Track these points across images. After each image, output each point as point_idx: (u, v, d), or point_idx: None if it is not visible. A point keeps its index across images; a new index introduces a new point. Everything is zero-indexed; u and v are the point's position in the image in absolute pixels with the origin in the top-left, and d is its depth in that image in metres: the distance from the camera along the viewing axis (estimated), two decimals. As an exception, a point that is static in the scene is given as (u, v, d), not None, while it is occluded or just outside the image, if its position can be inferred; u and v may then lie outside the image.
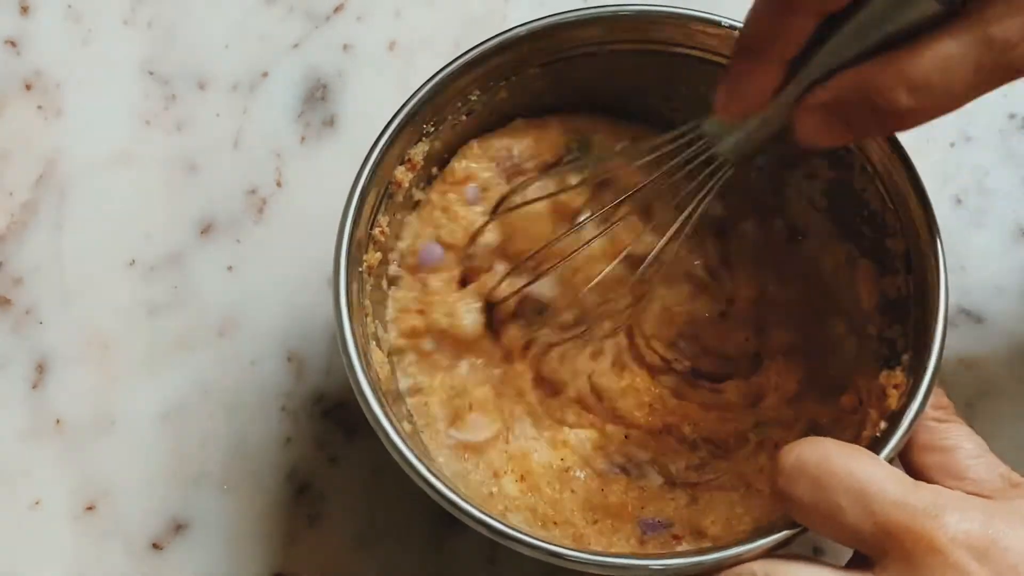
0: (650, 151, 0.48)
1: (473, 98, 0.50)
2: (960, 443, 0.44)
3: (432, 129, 0.50)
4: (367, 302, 0.49)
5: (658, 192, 0.48)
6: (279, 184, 0.60)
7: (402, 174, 0.50)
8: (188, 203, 0.59)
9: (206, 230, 0.59)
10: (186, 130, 0.60)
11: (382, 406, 0.44)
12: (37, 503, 0.55)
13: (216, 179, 0.60)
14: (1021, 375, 0.57)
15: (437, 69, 0.49)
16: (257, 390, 0.57)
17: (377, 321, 0.50)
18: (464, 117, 0.51)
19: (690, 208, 0.47)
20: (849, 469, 0.41)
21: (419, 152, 0.50)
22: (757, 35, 0.41)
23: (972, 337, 0.57)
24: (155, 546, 0.54)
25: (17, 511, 0.55)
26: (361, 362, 0.45)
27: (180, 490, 0.55)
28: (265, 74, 0.61)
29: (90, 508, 0.55)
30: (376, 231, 0.49)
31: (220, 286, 0.58)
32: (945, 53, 0.38)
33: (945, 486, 0.42)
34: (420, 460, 0.44)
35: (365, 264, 0.49)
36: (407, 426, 0.49)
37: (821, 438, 0.43)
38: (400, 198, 0.50)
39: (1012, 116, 0.61)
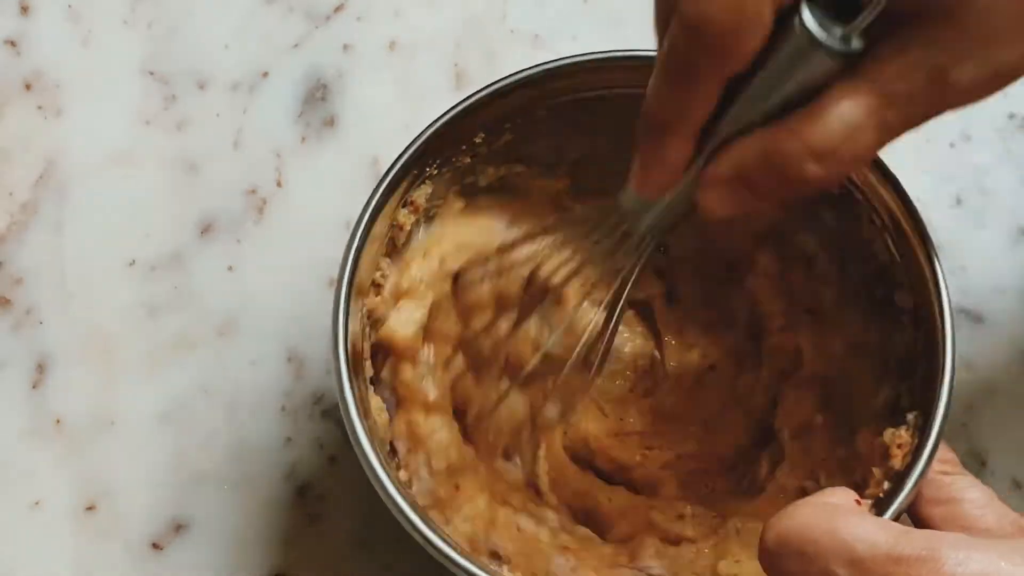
0: (575, 231, 0.47)
1: (478, 140, 0.50)
2: (967, 494, 0.43)
3: (435, 172, 0.49)
4: (367, 345, 0.48)
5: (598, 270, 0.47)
6: (279, 184, 0.60)
7: (404, 217, 0.49)
8: (188, 203, 0.59)
9: (206, 230, 0.59)
10: (186, 130, 0.60)
11: (380, 459, 0.43)
12: (37, 503, 0.55)
13: (216, 179, 0.60)
14: (1021, 375, 0.57)
15: (442, 112, 0.48)
16: (257, 390, 0.57)
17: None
18: (469, 159, 0.50)
19: (615, 287, 0.46)
20: (833, 532, 0.38)
21: (422, 195, 0.49)
22: (662, 109, 0.39)
23: (972, 337, 0.57)
24: (155, 546, 0.54)
25: (17, 511, 0.55)
26: (359, 412, 0.44)
27: (180, 490, 0.55)
28: (265, 74, 0.61)
29: (90, 508, 0.55)
30: (378, 274, 0.49)
31: (220, 286, 0.58)
32: (848, 116, 0.37)
33: None
34: (421, 518, 0.43)
35: (365, 308, 0.48)
36: (404, 475, 0.48)
37: (798, 504, 0.41)
38: (402, 240, 0.50)
39: (1012, 116, 0.61)
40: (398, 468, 0.49)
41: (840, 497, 0.42)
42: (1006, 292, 0.58)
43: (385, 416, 0.48)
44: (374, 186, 0.47)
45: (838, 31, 0.36)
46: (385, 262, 0.49)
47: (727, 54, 0.37)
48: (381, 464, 0.43)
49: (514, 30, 0.62)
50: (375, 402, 0.48)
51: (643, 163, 0.41)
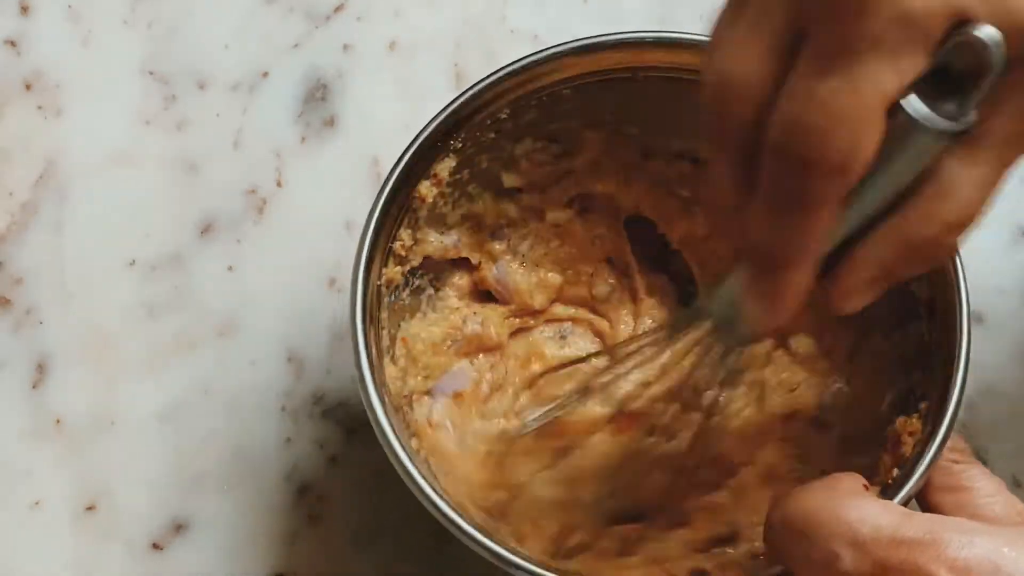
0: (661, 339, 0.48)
1: (503, 116, 0.50)
2: (976, 483, 0.43)
3: (459, 145, 0.49)
4: (383, 315, 0.49)
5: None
6: (279, 184, 0.60)
7: (427, 189, 0.49)
8: (188, 203, 0.59)
9: (206, 230, 0.59)
10: (186, 130, 0.60)
11: (396, 434, 0.44)
12: (37, 503, 0.55)
13: (216, 179, 0.60)
14: (1021, 375, 0.57)
15: (468, 86, 0.48)
16: (257, 390, 0.57)
17: (393, 333, 0.50)
18: (493, 135, 0.51)
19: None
20: (837, 514, 0.39)
21: (445, 168, 0.50)
22: (781, 246, 0.37)
23: (972, 337, 0.57)
24: (155, 546, 0.54)
25: (17, 511, 0.55)
26: (376, 385, 0.44)
27: (180, 490, 0.55)
28: (265, 74, 0.61)
29: (90, 508, 0.55)
30: (396, 245, 0.49)
31: (220, 286, 0.58)
32: (977, 181, 0.36)
33: None
34: (442, 497, 0.43)
35: (384, 278, 0.48)
36: (415, 442, 0.49)
37: (806, 486, 0.41)
38: (424, 213, 0.50)
39: (1012, 116, 0.61)
40: None
41: (848, 482, 0.42)
42: (1006, 292, 0.58)
43: (399, 384, 0.49)
44: (386, 171, 0.47)
45: (949, 106, 0.35)
46: (406, 233, 0.49)
47: (849, 174, 0.35)
48: (388, 418, 0.44)
49: (514, 30, 0.62)
50: (390, 370, 0.49)
51: (765, 300, 0.39)
